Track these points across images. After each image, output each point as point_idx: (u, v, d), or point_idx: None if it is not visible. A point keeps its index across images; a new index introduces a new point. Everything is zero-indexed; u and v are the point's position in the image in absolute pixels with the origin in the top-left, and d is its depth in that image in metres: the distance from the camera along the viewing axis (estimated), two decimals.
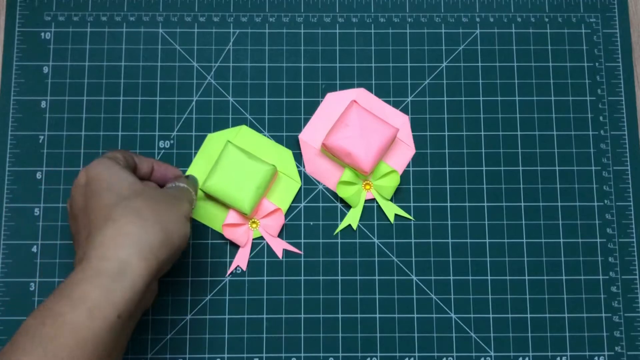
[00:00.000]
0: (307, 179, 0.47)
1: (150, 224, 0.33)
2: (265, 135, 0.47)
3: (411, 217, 0.47)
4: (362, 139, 0.44)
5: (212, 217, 0.46)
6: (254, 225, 0.46)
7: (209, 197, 0.46)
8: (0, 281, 0.45)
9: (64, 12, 0.49)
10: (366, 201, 0.47)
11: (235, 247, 0.46)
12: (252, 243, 0.46)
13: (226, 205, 0.45)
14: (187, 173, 0.46)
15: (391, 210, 0.47)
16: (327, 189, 0.47)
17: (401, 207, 0.47)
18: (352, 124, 0.45)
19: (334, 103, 0.48)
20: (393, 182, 0.46)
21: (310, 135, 0.48)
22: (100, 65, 0.49)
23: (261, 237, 0.46)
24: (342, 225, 0.47)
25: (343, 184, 0.46)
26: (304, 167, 0.48)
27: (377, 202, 0.47)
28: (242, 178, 0.44)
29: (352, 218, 0.47)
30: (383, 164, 0.46)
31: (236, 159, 0.44)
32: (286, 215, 0.47)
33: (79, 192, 0.36)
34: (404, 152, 0.48)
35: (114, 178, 0.35)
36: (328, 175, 0.47)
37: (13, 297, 0.45)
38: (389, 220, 0.47)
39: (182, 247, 0.36)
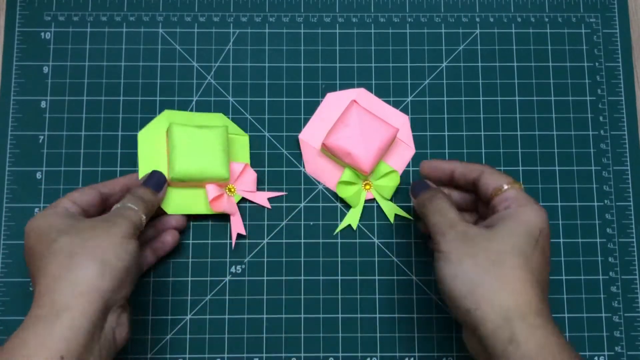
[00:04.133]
0: (307, 179, 0.47)
1: (81, 259, 0.34)
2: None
3: (411, 217, 0.47)
4: (362, 139, 0.44)
5: (190, 203, 0.44)
6: (232, 192, 0.45)
7: (178, 184, 0.44)
8: (0, 281, 0.45)
9: (64, 12, 0.49)
10: (366, 201, 0.47)
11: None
12: (242, 213, 0.46)
13: (198, 185, 0.44)
14: (140, 178, 0.43)
15: (391, 210, 0.47)
16: (327, 189, 0.47)
17: (401, 207, 0.47)
18: (352, 124, 0.45)
19: (334, 103, 0.48)
20: (393, 182, 0.46)
21: (310, 135, 0.48)
22: (100, 65, 0.48)
23: (243, 199, 0.46)
24: (342, 225, 0.47)
25: (343, 184, 0.46)
26: (304, 167, 0.48)
27: (377, 202, 0.47)
28: (204, 149, 0.43)
29: (352, 218, 0.47)
30: (383, 164, 0.46)
31: (188, 134, 0.43)
32: (286, 214, 0.47)
33: (24, 252, 0.37)
34: (404, 152, 0.48)
35: (43, 228, 0.36)
36: (328, 175, 0.47)
37: (13, 297, 0.45)
38: (389, 220, 0.47)
39: (130, 266, 0.35)
